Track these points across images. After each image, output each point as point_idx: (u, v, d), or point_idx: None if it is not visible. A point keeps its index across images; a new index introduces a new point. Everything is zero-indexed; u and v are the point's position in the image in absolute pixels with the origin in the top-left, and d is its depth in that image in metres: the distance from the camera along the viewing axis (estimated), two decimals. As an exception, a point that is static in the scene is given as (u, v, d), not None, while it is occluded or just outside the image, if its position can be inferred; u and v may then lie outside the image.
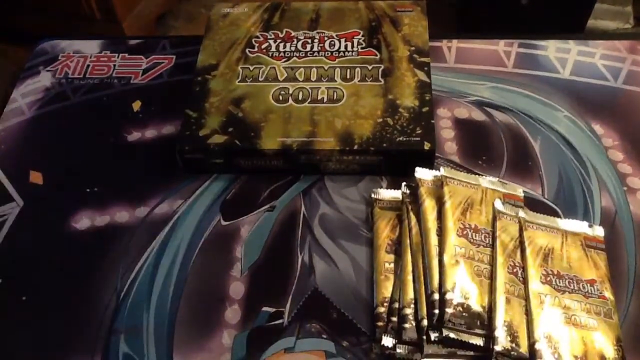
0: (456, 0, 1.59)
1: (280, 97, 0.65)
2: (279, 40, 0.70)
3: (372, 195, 0.62)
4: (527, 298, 0.51)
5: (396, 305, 0.53)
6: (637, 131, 0.68)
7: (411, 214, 0.57)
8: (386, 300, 0.54)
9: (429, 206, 0.57)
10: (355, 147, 0.61)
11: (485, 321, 0.50)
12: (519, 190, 0.61)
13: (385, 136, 0.62)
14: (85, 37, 0.82)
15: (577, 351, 0.49)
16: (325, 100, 0.65)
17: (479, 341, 0.49)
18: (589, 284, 0.53)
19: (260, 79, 0.67)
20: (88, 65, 0.78)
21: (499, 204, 0.57)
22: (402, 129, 0.62)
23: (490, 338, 0.49)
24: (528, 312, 0.51)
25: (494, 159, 0.66)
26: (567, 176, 0.65)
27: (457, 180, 0.59)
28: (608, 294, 0.52)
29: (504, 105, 0.71)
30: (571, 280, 0.53)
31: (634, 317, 0.54)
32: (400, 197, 0.60)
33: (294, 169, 0.65)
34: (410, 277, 0.54)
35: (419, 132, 0.62)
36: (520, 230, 0.56)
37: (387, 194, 0.62)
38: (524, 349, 0.49)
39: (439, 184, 0.58)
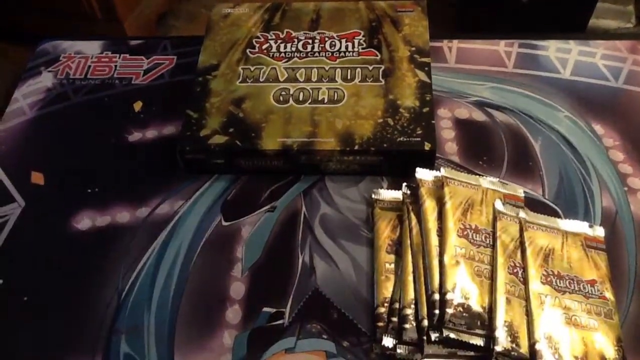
0: (456, 0, 1.59)
1: (281, 98, 0.65)
2: (279, 41, 0.71)
3: (373, 196, 0.62)
4: (527, 298, 0.51)
5: (397, 305, 0.53)
6: (638, 131, 0.68)
7: (412, 214, 0.58)
8: (387, 300, 0.54)
9: (430, 207, 0.57)
10: (356, 147, 0.61)
11: (485, 321, 0.50)
12: (520, 191, 0.61)
13: (386, 136, 0.62)
14: (86, 37, 0.82)
15: (578, 351, 0.49)
16: (325, 100, 0.65)
17: (479, 341, 0.49)
18: (589, 285, 0.53)
19: (260, 80, 0.67)
20: (89, 66, 0.78)
21: (499, 205, 0.57)
22: (403, 129, 0.62)
23: (490, 338, 0.49)
24: (528, 313, 0.51)
25: (495, 159, 0.66)
26: (568, 176, 0.65)
27: (458, 181, 0.59)
28: (608, 294, 0.52)
29: (505, 105, 0.71)
30: (572, 281, 0.53)
31: (634, 317, 0.54)
32: (401, 197, 0.60)
33: (294, 170, 0.65)
34: (410, 278, 0.54)
35: (420, 132, 0.62)
36: (521, 230, 0.56)
37: (388, 194, 0.62)
38: (524, 349, 0.49)
39: (440, 184, 0.58)
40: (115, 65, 0.78)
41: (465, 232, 0.54)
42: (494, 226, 0.56)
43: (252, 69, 0.68)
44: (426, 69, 0.67)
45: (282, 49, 0.70)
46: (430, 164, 0.62)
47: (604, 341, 0.50)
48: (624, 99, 0.72)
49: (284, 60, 0.68)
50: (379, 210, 0.61)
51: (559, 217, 0.60)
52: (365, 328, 0.54)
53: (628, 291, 0.56)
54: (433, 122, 0.63)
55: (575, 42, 0.77)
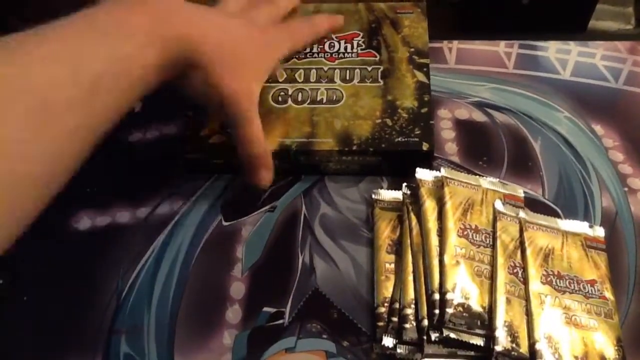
0: (457, 0, 1.59)
1: (280, 98, 0.65)
2: None
3: (373, 196, 0.62)
4: (527, 298, 0.51)
5: (397, 305, 0.53)
6: (638, 132, 0.68)
7: (412, 214, 0.58)
8: (387, 300, 0.54)
9: (430, 207, 0.57)
10: (354, 147, 0.62)
11: (485, 321, 0.50)
12: (519, 191, 0.61)
13: (384, 137, 0.62)
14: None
15: (578, 351, 0.49)
16: (324, 101, 0.65)
17: (479, 341, 0.49)
18: (589, 285, 0.53)
19: None
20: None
21: (499, 205, 0.57)
22: (401, 129, 0.62)
23: (490, 338, 0.49)
24: (528, 313, 0.51)
25: (495, 159, 0.66)
26: (568, 177, 0.65)
27: (458, 181, 0.59)
28: (608, 294, 0.52)
29: (505, 106, 0.71)
30: (571, 281, 0.53)
31: (634, 317, 0.54)
32: (401, 197, 0.60)
33: (293, 170, 0.65)
34: (410, 278, 0.54)
35: (418, 132, 0.62)
36: (521, 230, 0.56)
37: (388, 194, 0.62)
38: (524, 349, 0.49)
39: (440, 184, 0.58)
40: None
41: (465, 232, 0.54)
42: (494, 226, 0.56)
43: None
44: (425, 69, 0.67)
45: None
46: (428, 164, 0.62)
47: (604, 341, 0.50)
48: (623, 99, 0.72)
49: (282, 61, 0.68)
50: (379, 210, 0.61)
51: (559, 217, 0.60)
52: (366, 328, 0.54)
53: (628, 291, 0.56)
54: (431, 122, 0.63)
55: (575, 43, 0.77)
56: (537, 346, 0.49)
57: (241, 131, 0.54)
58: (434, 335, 0.50)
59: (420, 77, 0.66)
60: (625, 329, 0.53)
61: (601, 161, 0.66)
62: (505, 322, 0.50)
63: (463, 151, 0.67)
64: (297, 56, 0.69)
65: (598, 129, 0.69)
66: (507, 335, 0.49)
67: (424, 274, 0.53)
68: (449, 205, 0.56)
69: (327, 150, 0.62)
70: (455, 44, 0.78)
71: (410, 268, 0.54)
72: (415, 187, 0.59)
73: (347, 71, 0.67)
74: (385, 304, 0.54)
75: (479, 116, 0.71)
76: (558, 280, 0.52)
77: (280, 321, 0.55)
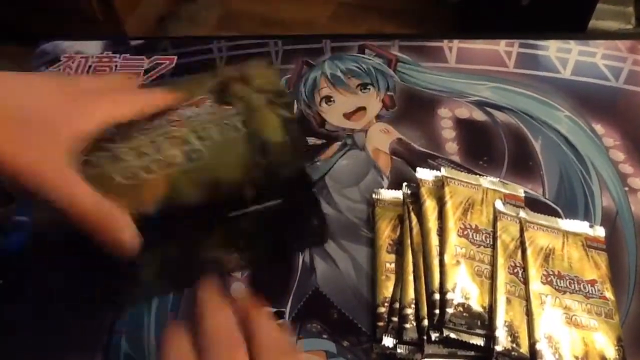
0: (457, 1, 1.59)
1: (129, 174, 0.53)
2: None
3: (373, 196, 0.62)
4: (527, 298, 0.51)
5: (397, 305, 0.53)
6: (638, 131, 0.68)
7: (412, 214, 0.58)
8: (387, 300, 0.54)
9: (430, 206, 0.57)
10: (226, 193, 0.53)
11: (485, 321, 0.50)
12: (520, 191, 0.61)
13: (258, 175, 0.54)
14: (86, 37, 0.82)
15: (578, 351, 0.49)
16: (183, 162, 0.54)
17: (479, 341, 0.49)
18: (589, 285, 0.53)
19: (102, 164, 0.53)
20: (90, 66, 0.78)
21: (499, 205, 0.57)
22: (274, 164, 0.55)
23: (490, 338, 0.49)
24: (529, 313, 0.51)
25: (495, 159, 0.66)
26: (568, 176, 0.65)
27: (458, 181, 0.59)
28: (609, 294, 0.52)
29: (505, 105, 0.71)
30: (572, 281, 0.53)
31: (635, 317, 0.54)
32: (402, 197, 0.60)
33: (159, 248, 0.55)
34: (411, 277, 0.54)
35: (292, 161, 0.55)
36: (521, 230, 0.56)
37: (388, 194, 0.62)
38: (524, 349, 0.49)
39: (440, 184, 0.58)
40: (116, 65, 0.78)
41: (465, 232, 0.54)
42: (494, 226, 0.56)
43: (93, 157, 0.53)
44: (286, 107, 0.58)
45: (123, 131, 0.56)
46: (309, 190, 0.60)
47: (605, 341, 0.50)
48: (624, 98, 0.72)
49: (126, 141, 0.55)
50: (380, 209, 0.61)
51: (560, 217, 0.60)
52: (366, 328, 0.54)
53: (628, 291, 0.56)
54: (304, 150, 0.60)
55: (576, 42, 0.77)
56: (538, 346, 0.49)
57: (57, 203, 0.45)
58: (434, 335, 0.50)
59: (284, 113, 0.58)
60: (625, 328, 0.53)
61: (602, 161, 0.66)
62: (505, 322, 0.49)
63: (463, 150, 0.67)
64: (141, 130, 0.56)
65: (598, 128, 0.68)
66: (508, 335, 0.49)
67: (424, 273, 0.53)
68: (449, 205, 0.56)
69: (194, 207, 0.52)
70: (456, 43, 0.78)
71: (410, 268, 0.54)
72: (415, 186, 0.59)
73: (203, 129, 0.56)
74: (386, 304, 0.54)
75: (479, 115, 0.70)
76: (558, 280, 0.52)
77: (280, 321, 0.55)
